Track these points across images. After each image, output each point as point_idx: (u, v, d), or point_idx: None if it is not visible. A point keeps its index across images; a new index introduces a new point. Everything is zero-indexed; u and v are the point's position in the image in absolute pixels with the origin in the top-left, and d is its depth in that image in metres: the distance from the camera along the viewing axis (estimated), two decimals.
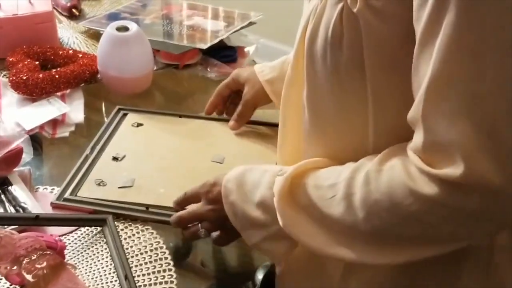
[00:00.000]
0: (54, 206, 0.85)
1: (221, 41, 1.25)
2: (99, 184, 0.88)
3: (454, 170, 0.54)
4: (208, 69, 1.21)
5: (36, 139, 0.98)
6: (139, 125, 1.02)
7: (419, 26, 0.54)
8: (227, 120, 1.03)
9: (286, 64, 0.94)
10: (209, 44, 1.21)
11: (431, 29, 0.53)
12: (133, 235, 0.83)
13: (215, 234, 0.79)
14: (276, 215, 0.67)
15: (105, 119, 1.05)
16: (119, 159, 0.94)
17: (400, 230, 0.60)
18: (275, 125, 0.99)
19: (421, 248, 0.60)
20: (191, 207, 0.80)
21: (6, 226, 0.77)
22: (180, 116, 1.05)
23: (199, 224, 0.78)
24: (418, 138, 0.57)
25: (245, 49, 1.27)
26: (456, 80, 0.52)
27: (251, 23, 1.30)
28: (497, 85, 0.52)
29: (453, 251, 0.61)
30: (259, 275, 0.81)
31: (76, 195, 0.86)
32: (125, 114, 1.04)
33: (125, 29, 1.10)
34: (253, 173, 0.72)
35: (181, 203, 0.81)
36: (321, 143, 0.70)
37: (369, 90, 0.62)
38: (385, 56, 0.60)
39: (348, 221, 0.62)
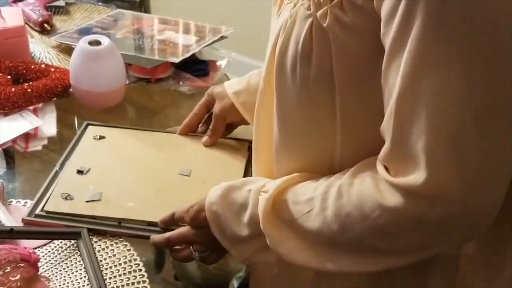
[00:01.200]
0: (26, 222, 0.84)
1: (193, 55, 1.27)
2: (65, 198, 0.88)
3: (417, 178, 0.55)
4: (181, 83, 1.22)
5: (8, 153, 0.98)
6: (101, 137, 1.02)
7: (387, 39, 0.56)
8: (193, 134, 1.03)
9: (254, 76, 0.96)
10: (181, 58, 1.22)
11: (399, 43, 0.55)
12: (107, 247, 0.83)
13: (205, 254, 0.79)
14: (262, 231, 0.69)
15: (77, 133, 1.05)
16: (84, 172, 0.93)
17: (373, 242, 0.62)
18: (245, 140, 1.01)
19: (396, 258, 0.62)
20: (179, 230, 0.80)
21: None
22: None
23: (191, 247, 0.79)
24: (386, 147, 0.59)
25: (217, 63, 1.29)
26: (421, 93, 0.54)
27: (222, 37, 1.32)
28: (461, 98, 0.53)
29: None
30: (234, 285, 0.82)
31: (44, 210, 0.86)
32: (87, 128, 1.04)
33: (97, 43, 1.11)
34: (237, 193, 0.73)
35: (168, 224, 0.82)
36: (290, 155, 0.72)
37: (338, 103, 0.64)
38: (355, 69, 0.62)
39: (326, 234, 0.64)
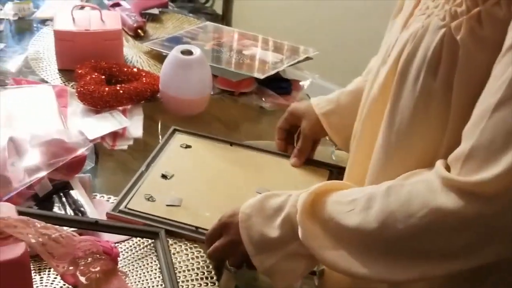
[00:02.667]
0: (110, 216, 0.88)
1: (277, 73, 1.29)
2: (148, 199, 0.91)
3: (483, 177, 0.56)
4: (263, 99, 1.24)
5: (96, 149, 1.02)
6: (188, 146, 1.05)
7: (507, 41, 0.56)
8: (276, 153, 1.04)
9: (344, 96, 0.96)
10: (266, 75, 1.25)
11: None
12: (181, 251, 0.85)
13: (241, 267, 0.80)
14: (297, 231, 0.70)
15: (160, 137, 1.08)
16: (168, 177, 0.96)
17: (413, 243, 0.62)
18: (328, 167, 1.01)
19: (433, 264, 0.61)
20: (214, 245, 0.80)
21: (66, 228, 0.81)
22: (231, 144, 1.06)
23: (227, 262, 0.80)
24: (466, 146, 0.59)
25: (300, 83, 1.31)
26: None
27: (308, 58, 1.34)
28: None
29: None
30: None
31: (127, 207, 0.89)
32: (175, 135, 1.07)
33: (189, 52, 1.14)
34: (275, 199, 0.75)
35: (214, 236, 0.82)
36: (392, 162, 0.71)
37: (452, 114, 0.64)
38: (475, 83, 0.61)
39: (363, 233, 0.65)
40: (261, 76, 1.24)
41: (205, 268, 0.83)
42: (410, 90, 0.66)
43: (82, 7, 1.35)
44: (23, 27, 1.41)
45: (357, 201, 0.67)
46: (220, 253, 0.80)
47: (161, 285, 0.80)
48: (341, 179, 0.89)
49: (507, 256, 0.61)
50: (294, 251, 0.71)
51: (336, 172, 1.01)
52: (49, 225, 0.74)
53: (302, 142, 1.00)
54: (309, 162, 1.03)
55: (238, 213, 0.77)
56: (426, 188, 0.61)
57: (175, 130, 1.08)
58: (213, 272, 0.82)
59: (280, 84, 1.28)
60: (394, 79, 0.69)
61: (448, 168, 0.62)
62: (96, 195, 0.94)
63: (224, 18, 2.93)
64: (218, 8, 2.94)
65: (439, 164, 0.62)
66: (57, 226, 0.77)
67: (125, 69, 1.21)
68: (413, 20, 0.68)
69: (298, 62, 1.33)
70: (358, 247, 0.66)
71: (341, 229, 0.67)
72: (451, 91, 0.63)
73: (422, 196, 0.61)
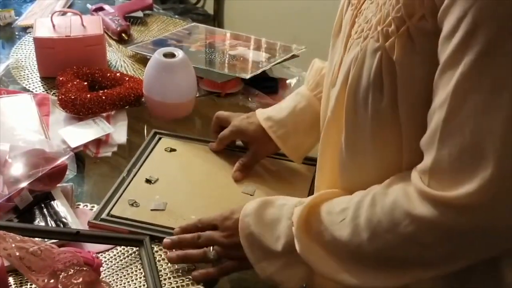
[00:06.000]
0: (91, 225, 0.86)
1: (263, 72, 1.27)
2: (132, 205, 0.90)
3: (453, 190, 0.58)
4: (249, 99, 1.23)
5: (79, 157, 1.01)
6: (172, 150, 1.04)
7: (443, 53, 0.58)
8: None
9: (295, 117, 0.96)
10: (251, 74, 1.23)
11: (454, 59, 0.56)
12: None
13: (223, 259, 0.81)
14: (294, 242, 0.71)
15: (145, 141, 1.07)
16: (152, 182, 0.95)
17: (401, 253, 0.64)
18: (311, 163, 1.00)
19: (422, 270, 0.64)
20: (208, 232, 0.81)
21: (46, 240, 0.80)
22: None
23: (211, 247, 0.80)
24: (428, 160, 0.60)
25: (287, 81, 1.29)
26: (466, 112, 0.56)
27: (294, 56, 1.32)
28: (507, 121, 0.54)
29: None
30: None
31: (110, 214, 0.88)
32: (160, 139, 1.06)
33: (172, 55, 1.13)
34: (272, 208, 0.77)
35: (191, 230, 0.83)
36: (357, 174, 0.73)
37: (403, 131, 0.65)
38: (418, 98, 0.62)
39: (354, 243, 0.67)
40: (247, 76, 1.23)
41: (191, 274, 0.81)
42: (362, 112, 0.67)
43: (63, 13, 1.34)
44: (5, 36, 1.39)
45: (347, 211, 0.68)
46: (211, 241, 0.81)
47: None
48: None
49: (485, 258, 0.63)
50: (294, 259, 0.73)
51: None
52: (26, 238, 0.73)
53: (250, 159, 0.99)
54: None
55: (239, 213, 0.78)
56: (405, 198, 0.63)
57: (156, 133, 1.07)
58: None
59: (267, 83, 1.27)
60: (343, 103, 0.70)
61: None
62: (79, 204, 0.92)
63: (216, 19, 2.92)
64: (209, 8, 2.93)
65: (415, 174, 0.63)
66: (36, 239, 0.76)
67: (108, 74, 1.19)
68: (352, 43, 0.69)
69: (284, 60, 1.31)
70: (350, 258, 0.68)
71: (335, 240, 0.69)
72: (398, 110, 0.64)
73: (404, 206, 0.63)
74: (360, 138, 0.69)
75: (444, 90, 0.58)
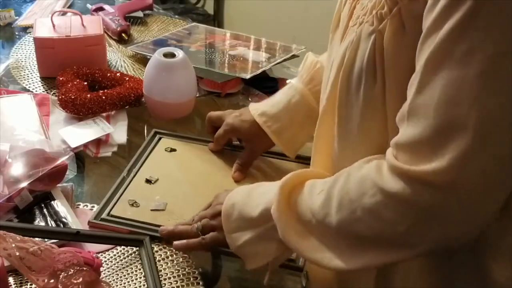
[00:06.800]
0: (91, 225, 0.86)
1: (263, 72, 1.27)
2: (132, 205, 0.90)
3: (421, 166, 0.57)
4: (249, 99, 1.23)
5: (79, 157, 1.01)
6: (172, 150, 1.04)
7: (426, 25, 0.57)
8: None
9: (291, 113, 0.96)
10: (251, 74, 1.23)
11: (433, 30, 0.56)
12: (167, 257, 0.84)
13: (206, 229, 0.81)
14: (271, 211, 0.71)
15: (145, 141, 1.07)
16: (152, 182, 0.95)
17: (362, 227, 0.63)
18: (308, 162, 1.00)
19: (381, 251, 0.63)
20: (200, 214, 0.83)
21: (46, 240, 0.80)
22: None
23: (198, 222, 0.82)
24: (400, 133, 0.60)
25: (287, 81, 1.29)
26: (438, 83, 0.55)
27: (294, 56, 1.32)
28: (472, 95, 0.54)
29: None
30: None
31: (110, 214, 0.88)
32: (160, 139, 1.06)
33: (172, 55, 1.13)
34: (265, 186, 0.78)
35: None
36: (350, 158, 0.72)
37: (389, 113, 0.65)
38: (403, 78, 0.62)
39: (323, 212, 0.67)
40: (247, 76, 1.23)
41: (191, 274, 0.81)
42: (354, 99, 0.67)
43: (63, 13, 1.34)
44: (5, 36, 1.39)
45: (326, 184, 0.69)
46: (207, 224, 0.81)
47: None
48: None
49: (452, 245, 0.62)
50: (266, 232, 0.73)
51: None
52: (26, 238, 0.73)
53: (247, 157, 1.00)
54: (292, 161, 1.02)
55: (228, 191, 0.80)
56: (376, 170, 0.63)
57: (156, 133, 1.07)
58: (199, 278, 0.81)
59: (267, 83, 1.27)
60: (337, 90, 0.70)
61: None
62: (79, 204, 0.92)
63: (216, 19, 2.93)
64: (209, 8, 2.93)
65: (389, 150, 0.63)
66: (36, 239, 0.76)
67: (108, 74, 1.19)
68: (348, 32, 0.70)
69: (284, 60, 1.31)
70: (317, 229, 0.68)
71: (307, 210, 0.69)
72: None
73: (373, 177, 0.63)
74: (351, 126, 0.70)
75: (418, 63, 0.58)
